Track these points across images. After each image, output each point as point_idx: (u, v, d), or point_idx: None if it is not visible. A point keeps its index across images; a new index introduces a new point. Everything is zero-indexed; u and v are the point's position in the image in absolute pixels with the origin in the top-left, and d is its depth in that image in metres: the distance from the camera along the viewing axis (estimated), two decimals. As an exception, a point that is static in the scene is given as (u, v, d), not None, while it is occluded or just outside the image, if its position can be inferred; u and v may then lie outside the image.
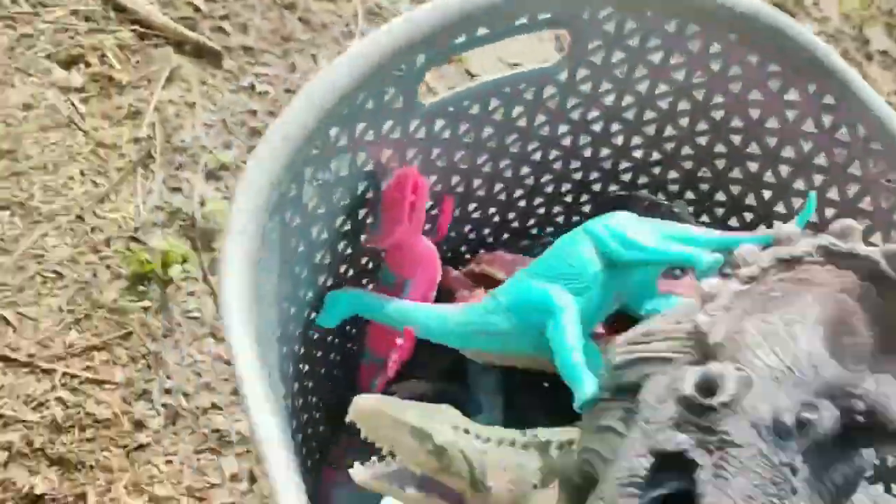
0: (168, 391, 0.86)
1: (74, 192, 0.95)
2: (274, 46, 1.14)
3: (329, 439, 0.70)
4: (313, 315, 0.63)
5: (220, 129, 1.05)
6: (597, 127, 0.70)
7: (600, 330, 0.63)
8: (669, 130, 0.70)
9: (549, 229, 0.78)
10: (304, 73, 1.12)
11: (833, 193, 0.64)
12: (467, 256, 0.77)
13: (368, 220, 0.65)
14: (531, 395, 0.69)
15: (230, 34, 1.13)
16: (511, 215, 0.77)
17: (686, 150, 0.71)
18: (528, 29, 0.59)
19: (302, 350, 0.63)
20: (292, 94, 1.10)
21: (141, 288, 0.90)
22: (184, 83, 1.07)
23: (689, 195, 0.74)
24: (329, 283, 0.65)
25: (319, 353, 0.68)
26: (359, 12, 1.19)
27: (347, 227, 0.64)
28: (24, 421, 0.82)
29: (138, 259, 0.89)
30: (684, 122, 0.69)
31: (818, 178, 0.65)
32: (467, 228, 0.77)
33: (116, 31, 1.09)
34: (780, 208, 0.69)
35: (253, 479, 0.84)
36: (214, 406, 0.86)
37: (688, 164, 0.72)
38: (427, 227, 0.67)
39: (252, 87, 1.09)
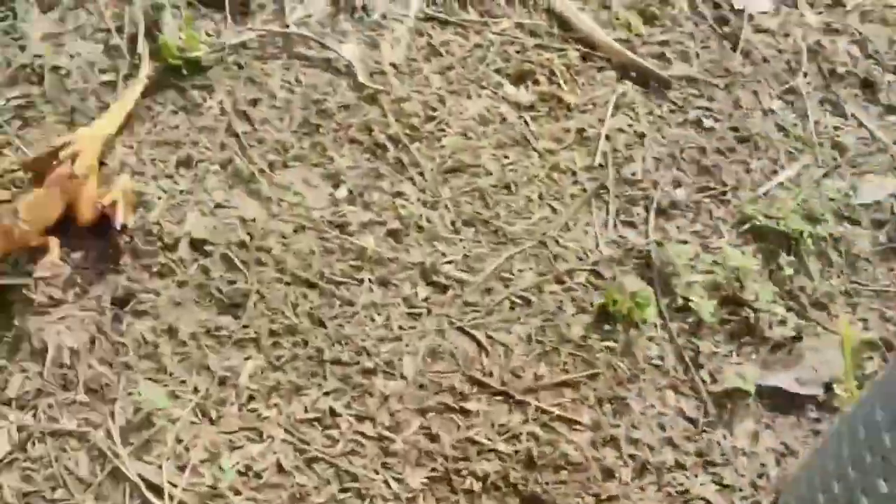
0: (634, 441, 0.82)
1: (535, 217, 0.93)
2: (716, 79, 1.08)
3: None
4: None
5: (669, 163, 1.00)
6: None
7: None
8: None
9: None
10: (748, 111, 1.05)
11: None
12: None
13: None
14: None
15: (671, 62, 1.08)
16: None
17: None
18: None
19: None
20: (738, 133, 1.04)
21: (606, 326, 0.86)
22: (630, 111, 1.03)
23: None
24: None
25: None
26: (802, 49, 1.11)
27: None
28: (497, 451, 0.80)
29: (611, 296, 0.86)
30: None
31: None
32: None
33: (562, 50, 1.06)
34: None
35: (719, 552, 0.78)
36: (678, 465, 0.81)
37: None
38: None
39: (699, 121, 1.04)
